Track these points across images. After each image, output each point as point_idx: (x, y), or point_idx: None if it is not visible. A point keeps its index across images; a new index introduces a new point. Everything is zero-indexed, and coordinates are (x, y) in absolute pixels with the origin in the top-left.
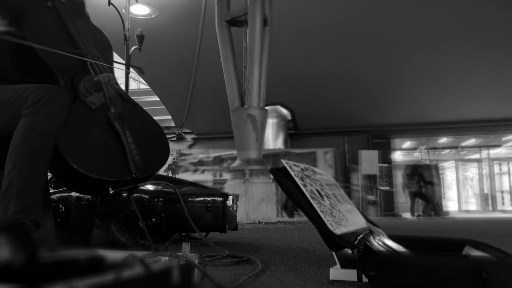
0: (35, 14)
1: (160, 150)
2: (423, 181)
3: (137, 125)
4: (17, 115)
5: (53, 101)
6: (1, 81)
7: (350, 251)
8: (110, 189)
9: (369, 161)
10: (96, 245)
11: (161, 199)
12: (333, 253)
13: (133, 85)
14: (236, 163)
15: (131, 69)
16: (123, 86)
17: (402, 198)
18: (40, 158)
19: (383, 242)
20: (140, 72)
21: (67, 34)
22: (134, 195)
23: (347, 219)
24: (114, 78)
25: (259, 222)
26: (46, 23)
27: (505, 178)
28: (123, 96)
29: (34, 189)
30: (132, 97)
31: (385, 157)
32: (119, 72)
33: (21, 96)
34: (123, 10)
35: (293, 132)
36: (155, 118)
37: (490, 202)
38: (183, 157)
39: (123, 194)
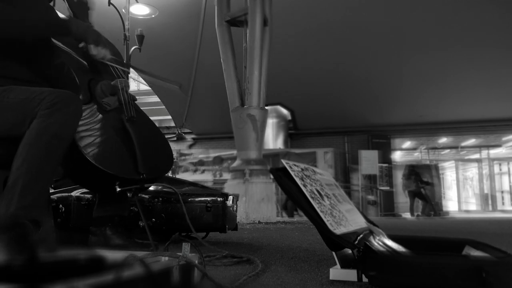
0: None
1: (165, 156)
2: (420, 181)
3: (145, 131)
4: (29, 116)
5: (68, 106)
6: (16, 80)
7: (350, 251)
8: (116, 187)
9: (369, 161)
10: None
11: (161, 199)
12: (333, 253)
13: (133, 86)
14: (236, 163)
15: (131, 69)
16: None
17: (402, 198)
18: (50, 159)
19: (383, 242)
20: (180, 88)
21: None
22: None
23: (347, 219)
24: (129, 85)
25: (259, 222)
26: None
27: (505, 178)
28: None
29: (39, 189)
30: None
31: (385, 157)
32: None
33: (37, 98)
34: (123, 10)
35: (293, 132)
36: (155, 118)
37: (490, 202)
38: (183, 157)
39: (128, 194)
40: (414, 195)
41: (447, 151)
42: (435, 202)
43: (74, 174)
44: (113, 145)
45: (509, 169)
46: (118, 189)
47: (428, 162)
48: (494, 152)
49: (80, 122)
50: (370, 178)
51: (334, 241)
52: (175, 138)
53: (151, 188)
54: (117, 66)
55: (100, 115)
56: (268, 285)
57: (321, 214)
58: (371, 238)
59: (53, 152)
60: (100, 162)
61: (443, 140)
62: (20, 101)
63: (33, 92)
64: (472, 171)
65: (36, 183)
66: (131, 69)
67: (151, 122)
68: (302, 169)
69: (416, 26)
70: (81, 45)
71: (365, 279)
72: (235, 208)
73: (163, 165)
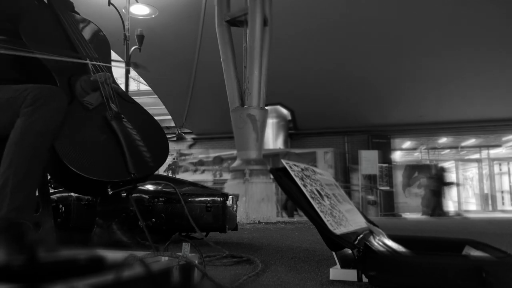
0: (31, 14)
1: (160, 149)
2: (444, 182)
3: (135, 124)
4: (16, 115)
5: (51, 102)
6: (1, 80)
7: (350, 251)
8: (109, 189)
9: (369, 161)
10: (96, 244)
11: (161, 199)
12: (333, 253)
13: (133, 86)
14: (236, 163)
15: (131, 69)
16: (122, 86)
17: (402, 198)
18: (36, 157)
19: (383, 242)
20: (145, 70)
21: (64, 34)
22: (134, 195)
23: (347, 219)
24: (111, 77)
25: (259, 222)
26: (43, 23)
27: (505, 178)
28: (121, 95)
29: (29, 189)
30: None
31: (385, 157)
32: (118, 72)
33: (21, 95)
34: (123, 10)
35: (293, 132)
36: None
37: (490, 202)
38: (183, 157)
39: (122, 195)
40: (434, 194)
41: (447, 151)
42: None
43: (63, 182)
44: (99, 148)
45: (509, 169)
46: (110, 192)
47: (428, 162)
48: (494, 152)
49: (63, 127)
50: (370, 178)
51: (334, 241)
52: (175, 138)
53: (151, 188)
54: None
55: (83, 116)
56: (268, 285)
57: (321, 214)
58: (371, 238)
59: (38, 150)
60: (85, 170)
61: (443, 140)
62: (6, 100)
63: (17, 90)
64: (472, 171)
65: (25, 183)
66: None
67: (142, 110)
68: (302, 169)
69: (416, 26)
70: None
71: (365, 279)
72: (235, 208)
73: (156, 159)
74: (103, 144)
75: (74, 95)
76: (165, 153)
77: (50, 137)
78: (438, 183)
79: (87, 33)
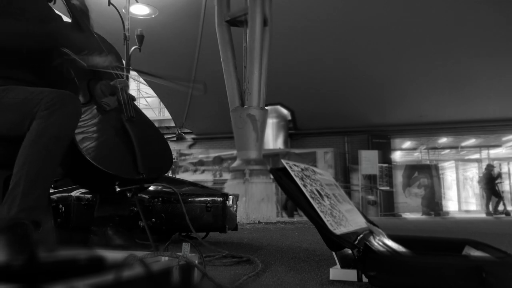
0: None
1: (165, 156)
2: (494, 179)
3: (144, 130)
4: (28, 117)
5: (67, 106)
6: (16, 81)
7: (350, 251)
8: (116, 187)
9: (369, 161)
10: None
11: (161, 199)
12: (333, 253)
13: (133, 85)
14: (236, 163)
15: (131, 69)
16: None
17: (402, 198)
18: (50, 160)
19: (383, 242)
20: (204, 89)
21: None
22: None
23: (347, 219)
24: (128, 85)
25: (259, 222)
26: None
27: (505, 178)
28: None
29: (40, 190)
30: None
31: (385, 157)
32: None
33: (36, 98)
34: (123, 10)
35: (293, 132)
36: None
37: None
38: (183, 157)
39: (128, 194)
40: (493, 194)
41: (447, 151)
42: (440, 202)
43: (74, 174)
44: (112, 145)
45: (509, 169)
46: (118, 189)
47: (428, 162)
48: (494, 152)
49: (80, 122)
50: (370, 178)
51: (334, 241)
52: (175, 138)
53: (151, 188)
54: (117, 71)
55: (100, 115)
56: (268, 285)
57: (321, 214)
58: (371, 238)
59: (53, 153)
60: (99, 162)
61: (443, 140)
62: (19, 101)
63: (32, 92)
64: (472, 171)
65: (37, 185)
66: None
67: (150, 122)
68: (302, 169)
69: (416, 26)
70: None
71: (365, 279)
72: (235, 208)
73: (162, 165)
74: (116, 143)
75: (92, 96)
76: (170, 161)
77: (64, 142)
78: (490, 182)
79: (103, 43)
